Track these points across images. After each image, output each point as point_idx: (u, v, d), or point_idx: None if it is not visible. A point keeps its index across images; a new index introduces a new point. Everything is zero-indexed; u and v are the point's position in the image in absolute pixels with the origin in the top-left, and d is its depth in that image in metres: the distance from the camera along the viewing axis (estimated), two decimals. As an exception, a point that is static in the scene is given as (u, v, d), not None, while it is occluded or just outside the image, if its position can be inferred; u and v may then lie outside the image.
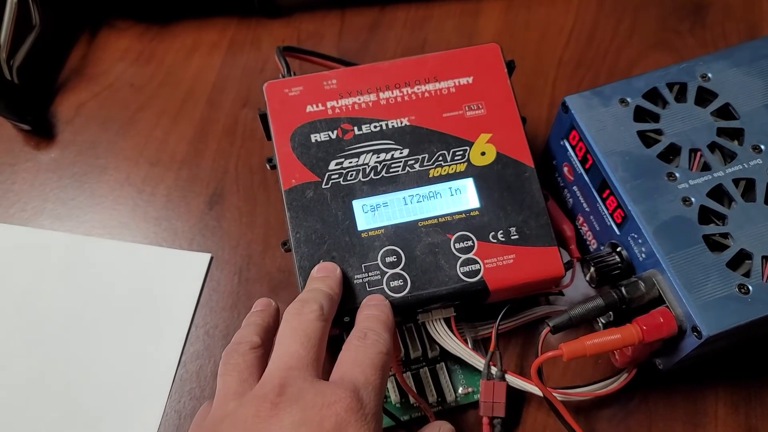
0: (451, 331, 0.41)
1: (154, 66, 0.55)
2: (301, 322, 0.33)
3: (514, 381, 0.40)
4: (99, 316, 0.45)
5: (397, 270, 0.39)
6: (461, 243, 0.39)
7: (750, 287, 0.36)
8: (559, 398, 0.39)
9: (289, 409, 0.29)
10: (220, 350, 0.41)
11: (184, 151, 0.51)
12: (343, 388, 0.30)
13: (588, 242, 0.44)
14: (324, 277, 0.36)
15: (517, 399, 0.42)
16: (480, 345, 0.43)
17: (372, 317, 0.35)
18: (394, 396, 0.41)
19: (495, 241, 0.39)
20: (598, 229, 0.43)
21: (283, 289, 0.46)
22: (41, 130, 0.52)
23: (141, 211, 0.49)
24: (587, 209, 0.43)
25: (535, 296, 0.44)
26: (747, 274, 0.36)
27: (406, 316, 0.40)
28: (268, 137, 0.42)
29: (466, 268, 0.39)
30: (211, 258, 0.47)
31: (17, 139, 0.51)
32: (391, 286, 0.38)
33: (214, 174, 0.50)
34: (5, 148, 0.51)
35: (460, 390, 0.42)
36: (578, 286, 0.43)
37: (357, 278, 0.38)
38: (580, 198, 0.44)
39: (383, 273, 0.38)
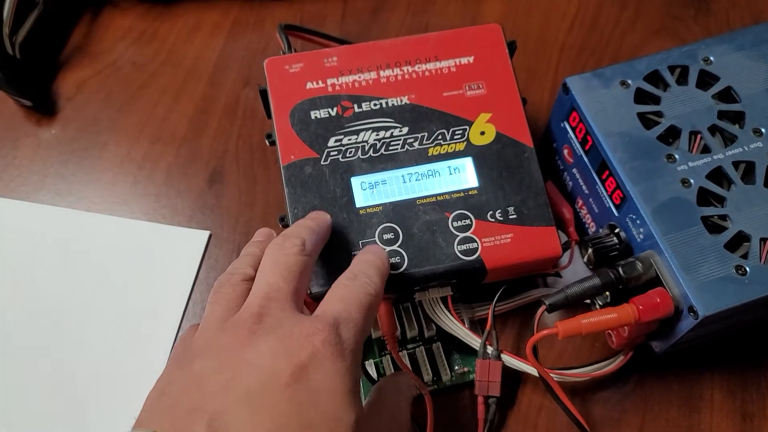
0: (448, 310, 0.41)
1: (157, 45, 0.55)
2: (282, 255, 0.32)
3: (510, 361, 0.40)
4: (97, 291, 0.45)
5: (395, 247, 0.39)
6: (459, 221, 0.39)
7: (748, 268, 0.36)
8: (555, 379, 0.39)
9: (266, 337, 0.29)
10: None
11: (184, 129, 0.51)
12: (322, 321, 0.30)
13: (587, 225, 0.44)
14: (313, 217, 0.36)
15: (513, 380, 0.42)
16: (477, 326, 0.43)
17: (366, 261, 0.35)
18: (389, 373, 0.41)
19: (493, 220, 0.39)
20: (596, 211, 0.42)
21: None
22: (42, 107, 0.52)
23: (141, 188, 0.49)
24: (586, 192, 0.43)
25: (532, 279, 0.44)
26: (745, 256, 0.36)
27: (403, 293, 0.40)
28: (268, 115, 0.42)
29: (464, 247, 0.39)
30: (210, 235, 0.47)
31: (18, 114, 0.51)
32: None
33: (214, 152, 0.50)
34: (7, 124, 0.51)
35: (456, 369, 0.42)
36: (577, 270, 0.43)
37: (354, 255, 0.38)
38: (580, 180, 0.43)
39: (380, 250, 0.38)
